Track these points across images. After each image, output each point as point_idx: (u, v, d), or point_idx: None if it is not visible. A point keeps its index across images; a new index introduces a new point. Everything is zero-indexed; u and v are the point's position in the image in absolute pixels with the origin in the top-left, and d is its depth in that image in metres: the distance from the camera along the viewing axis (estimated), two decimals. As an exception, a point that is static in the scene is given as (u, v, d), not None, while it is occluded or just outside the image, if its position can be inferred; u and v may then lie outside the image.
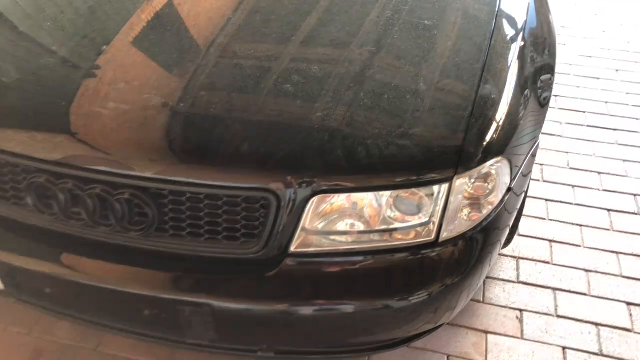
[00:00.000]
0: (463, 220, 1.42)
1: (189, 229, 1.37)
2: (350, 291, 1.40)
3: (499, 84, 1.51)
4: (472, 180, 1.39)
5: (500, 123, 1.45)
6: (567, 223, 2.38)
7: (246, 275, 1.39)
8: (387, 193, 1.35)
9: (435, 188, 1.36)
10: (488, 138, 1.40)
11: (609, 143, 2.79)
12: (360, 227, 1.39)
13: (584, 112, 2.99)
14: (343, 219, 1.38)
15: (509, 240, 2.12)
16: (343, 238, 1.39)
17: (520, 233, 2.33)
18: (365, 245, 1.39)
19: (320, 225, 1.37)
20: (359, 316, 1.42)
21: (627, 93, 3.13)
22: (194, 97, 1.42)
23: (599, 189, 2.54)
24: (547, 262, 2.22)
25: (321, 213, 1.36)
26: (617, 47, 3.48)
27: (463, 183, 1.37)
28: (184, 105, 1.40)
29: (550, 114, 2.95)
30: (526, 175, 1.66)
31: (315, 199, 1.33)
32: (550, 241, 2.30)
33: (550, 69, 1.80)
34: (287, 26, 1.64)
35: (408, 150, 1.34)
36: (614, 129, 2.88)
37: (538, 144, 1.70)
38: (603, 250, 2.27)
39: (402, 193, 1.36)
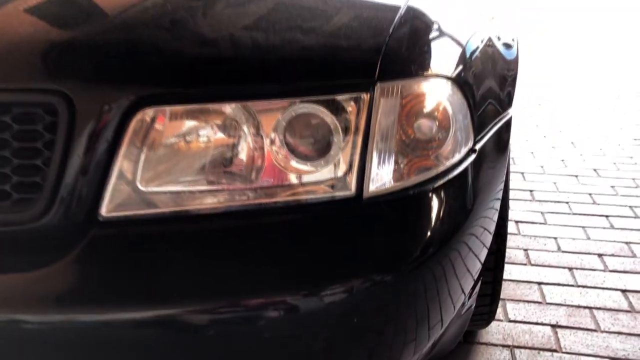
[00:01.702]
0: (401, 173, 0.86)
1: None
2: (214, 284, 0.78)
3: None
4: (406, 103, 0.86)
5: (445, 36, 0.97)
6: (572, 306, 1.76)
7: (21, 264, 0.77)
8: (271, 105, 0.81)
9: (347, 103, 0.82)
10: (427, 43, 0.91)
11: (603, 228, 2.28)
12: (231, 180, 0.82)
13: (567, 202, 2.52)
14: (196, 160, 0.81)
15: (489, 315, 1.49)
16: (197, 191, 0.80)
17: (511, 319, 1.69)
18: (237, 204, 0.81)
19: (155, 170, 0.80)
20: (227, 331, 0.77)
21: (612, 186, 2.70)
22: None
23: (604, 270, 1.96)
24: (555, 350, 1.55)
25: (156, 145, 0.80)
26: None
27: (392, 103, 0.84)
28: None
29: (529, 206, 2.47)
30: (498, 158, 1.12)
31: (143, 116, 0.78)
32: (554, 326, 1.66)
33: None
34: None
35: (301, 43, 0.84)
36: (607, 215, 2.39)
37: (510, 119, 1.19)
38: (628, 334, 1.63)
39: (295, 109, 0.82)
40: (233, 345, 0.80)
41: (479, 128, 1.00)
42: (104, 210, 0.78)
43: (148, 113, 0.77)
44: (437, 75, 0.90)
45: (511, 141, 1.91)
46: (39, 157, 0.77)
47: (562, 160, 2.99)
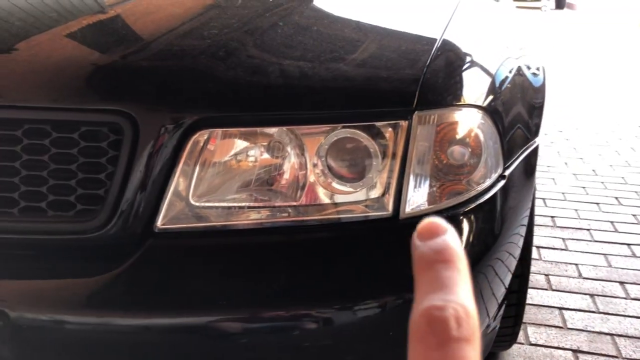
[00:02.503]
0: (435, 196, 0.91)
1: (-6, 192, 0.85)
2: (262, 293, 0.83)
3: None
4: (440, 131, 0.92)
5: (477, 67, 1.02)
6: (594, 332, 1.78)
7: (83, 270, 0.83)
8: (315, 130, 0.87)
9: (386, 129, 0.88)
10: (460, 74, 0.97)
11: (625, 256, 2.29)
12: (276, 198, 0.87)
13: (588, 229, 2.54)
14: (244, 178, 0.87)
15: (511, 337, 1.52)
16: (244, 207, 0.87)
17: (532, 342, 1.72)
18: (280, 220, 0.86)
19: (206, 186, 0.86)
20: (268, 340, 0.82)
21: (634, 215, 2.71)
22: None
23: (625, 298, 1.98)
24: (576, 375, 1.58)
25: (208, 164, 0.86)
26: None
27: (428, 130, 0.90)
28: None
29: (550, 232, 2.50)
30: (524, 185, 1.17)
31: (199, 137, 0.84)
32: (575, 351, 1.68)
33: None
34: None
35: (345, 73, 0.90)
36: (629, 244, 2.40)
37: (537, 147, 1.24)
38: (650, 361, 1.65)
39: (338, 133, 0.87)
40: (271, 352, 0.85)
41: (508, 155, 1.05)
42: (160, 222, 0.84)
43: (203, 134, 0.84)
44: (470, 105, 0.96)
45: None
46: (102, 172, 0.83)
47: (584, 188, 3.02)
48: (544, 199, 2.86)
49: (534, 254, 2.28)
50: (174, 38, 0.94)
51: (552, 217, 2.67)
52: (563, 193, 2.95)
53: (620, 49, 7.93)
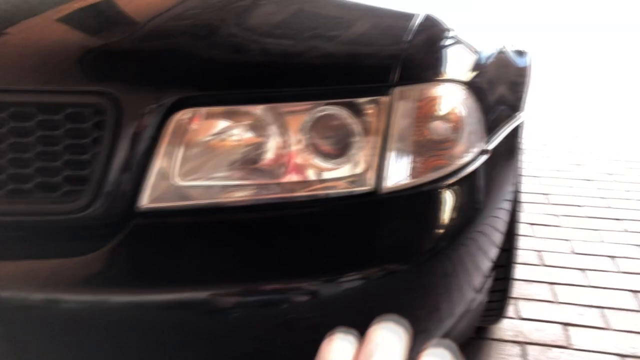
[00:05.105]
0: (417, 170, 0.93)
1: (-18, 174, 0.87)
2: (241, 270, 0.85)
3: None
4: (422, 106, 0.93)
5: (459, 44, 1.03)
6: (583, 306, 1.81)
7: (69, 250, 0.85)
8: (297, 107, 0.88)
9: (367, 105, 0.89)
10: (441, 50, 0.98)
11: (617, 231, 2.31)
12: (260, 176, 0.89)
13: (581, 205, 2.56)
14: (228, 157, 0.89)
15: (499, 311, 1.54)
16: (228, 185, 0.88)
17: (523, 317, 1.74)
18: (265, 197, 0.88)
19: (190, 166, 0.88)
20: (257, 314, 0.84)
21: (627, 190, 2.73)
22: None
23: (616, 271, 2.00)
24: (566, 347, 1.60)
25: (192, 143, 0.87)
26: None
27: (409, 106, 0.91)
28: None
29: (544, 209, 2.52)
30: (508, 150, 1.18)
31: (181, 116, 0.85)
32: (565, 324, 1.71)
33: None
34: None
35: (326, 50, 0.91)
36: (620, 219, 2.42)
37: (521, 123, 1.25)
38: (637, 332, 1.67)
39: (319, 111, 0.89)
40: (255, 327, 0.87)
41: (490, 130, 1.06)
42: (144, 202, 0.85)
43: (186, 113, 0.85)
44: (451, 80, 0.97)
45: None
46: (87, 153, 0.85)
47: (578, 165, 3.03)
48: (537, 176, 2.88)
49: (528, 230, 2.30)
50: (156, 19, 0.94)
51: (545, 194, 2.69)
52: (557, 170, 2.97)
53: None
